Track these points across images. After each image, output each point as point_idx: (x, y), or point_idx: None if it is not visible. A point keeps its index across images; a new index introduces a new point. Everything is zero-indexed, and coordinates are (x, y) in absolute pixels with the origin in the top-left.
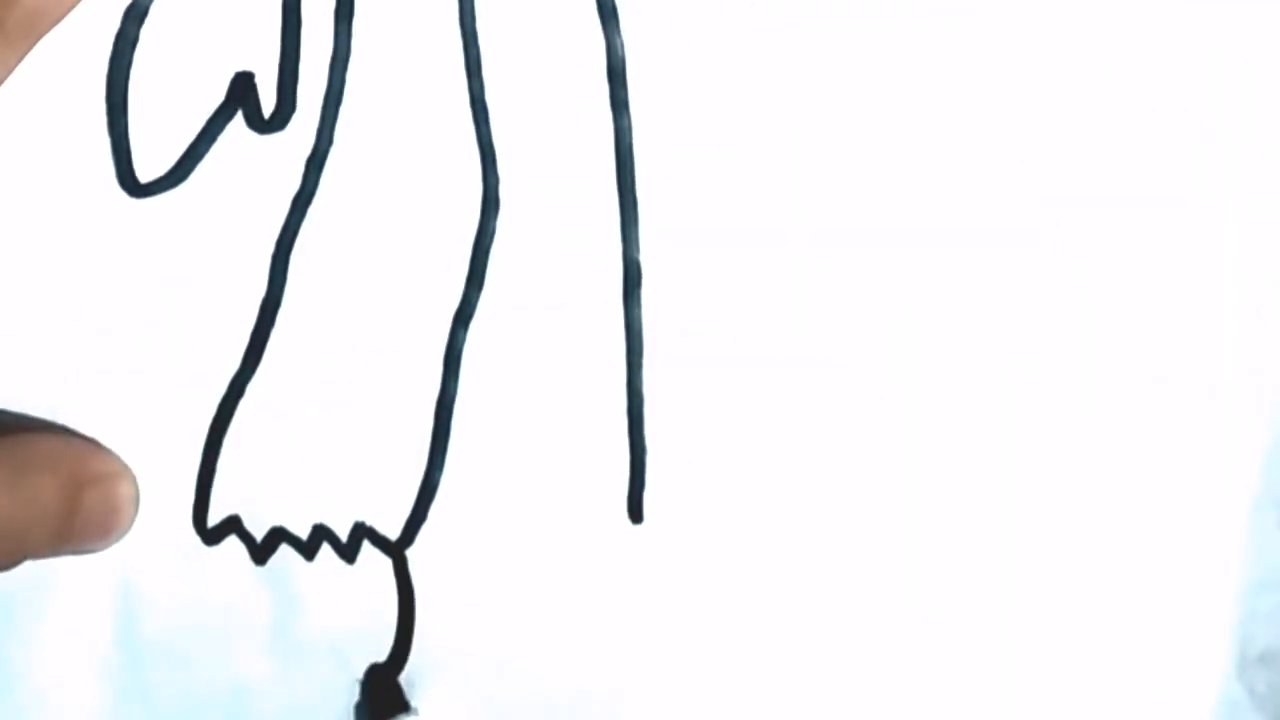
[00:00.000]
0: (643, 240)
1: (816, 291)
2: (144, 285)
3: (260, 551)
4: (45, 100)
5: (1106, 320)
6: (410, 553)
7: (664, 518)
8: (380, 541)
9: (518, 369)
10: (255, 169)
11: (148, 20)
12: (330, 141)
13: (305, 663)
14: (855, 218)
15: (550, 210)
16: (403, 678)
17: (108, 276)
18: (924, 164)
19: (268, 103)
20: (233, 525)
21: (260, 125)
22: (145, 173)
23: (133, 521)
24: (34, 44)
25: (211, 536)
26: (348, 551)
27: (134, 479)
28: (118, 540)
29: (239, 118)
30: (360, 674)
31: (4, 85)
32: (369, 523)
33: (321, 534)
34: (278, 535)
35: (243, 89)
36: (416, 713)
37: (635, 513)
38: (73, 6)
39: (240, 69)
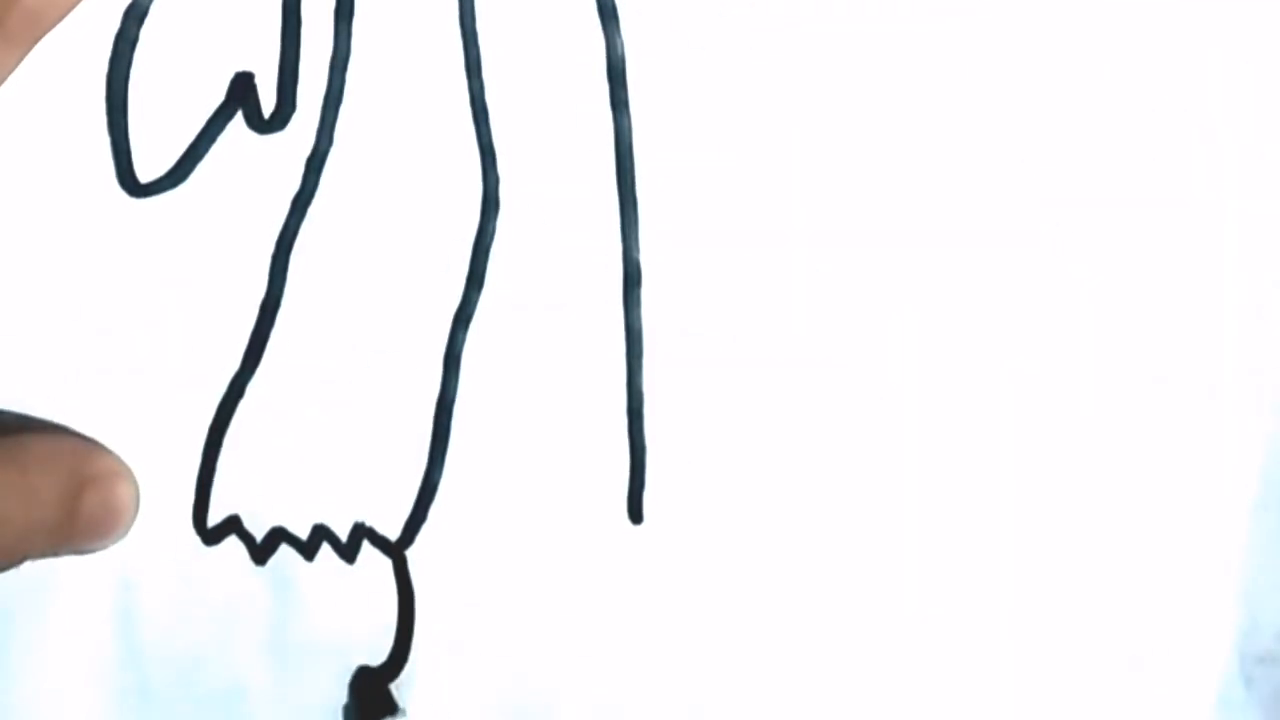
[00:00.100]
0: (643, 240)
1: (816, 291)
2: (144, 285)
3: (260, 551)
4: (45, 100)
5: (1106, 320)
6: (410, 553)
7: (664, 518)
8: (380, 542)
9: (518, 369)
10: (255, 169)
11: (148, 20)
12: (330, 142)
13: (305, 663)
14: (855, 218)
15: (550, 210)
16: (402, 677)
17: (108, 276)
18: (924, 164)
19: (268, 103)
20: (233, 525)
21: (260, 125)
22: (145, 173)
23: (133, 521)
24: (34, 44)
25: (211, 536)
26: (348, 552)
27: (134, 479)
28: (118, 540)
29: (239, 118)
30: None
31: (4, 85)
32: (369, 523)
33: (321, 534)
34: (278, 535)
35: (243, 89)
36: (405, 714)
37: (635, 513)
38: (73, 6)
39: (240, 69)
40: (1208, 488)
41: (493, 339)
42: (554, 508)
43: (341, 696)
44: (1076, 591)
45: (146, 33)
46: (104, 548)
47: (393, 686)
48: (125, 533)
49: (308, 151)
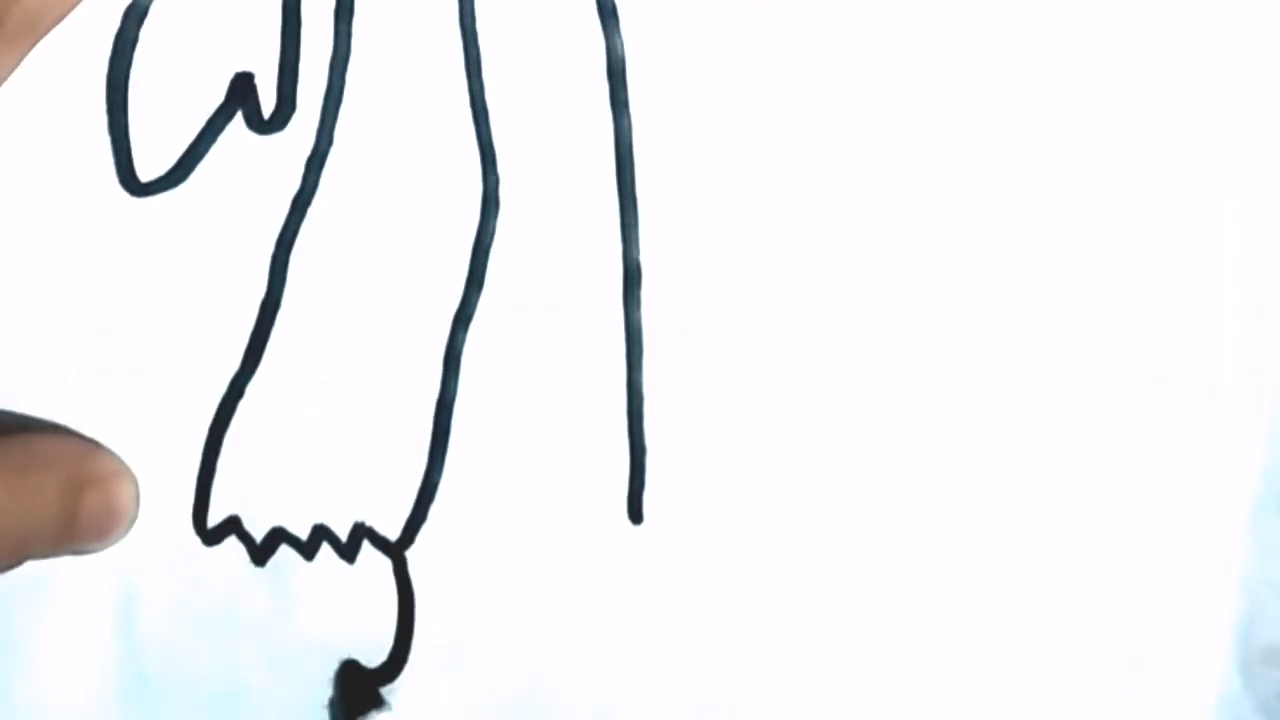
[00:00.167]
0: (643, 240)
1: (816, 291)
2: (144, 285)
3: (260, 552)
4: (45, 100)
5: (1106, 320)
6: (410, 553)
7: (664, 518)
8: (380, 542)
9: (518, 369)
10: (255, 169)
11: (148, 20)
12: (330, 141)
13: (305, 663)
14: (855, 218)
15: (550, 210)
16: (401, 677)
17: (108, 276)
18: (924, 164)
19: (268, 103)
20: (233, 525)
21: (260, 125)
22: (146, 172)
23: (133, 522)
24: (34, 44)
25: (211, 536)
26: (347, 552)
27: (134, 479)
28: (118, 540)
29: (239, 118)
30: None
31: (4, 85)
32: (369, 523)
33: (321, 534)
34: (278, 535)
35: (243, 89)
36: (391, 708)
37: (635, 513)
38: (73, 7)
39: (240, 69)
40: (1208, 487)
41: (493, 339)
42: (554, 508)
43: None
44: (1076, 591)
45: (146, 33)
46: (104, 548)
47: (392, 686)
48: (125, 533)
49: (308, 151)
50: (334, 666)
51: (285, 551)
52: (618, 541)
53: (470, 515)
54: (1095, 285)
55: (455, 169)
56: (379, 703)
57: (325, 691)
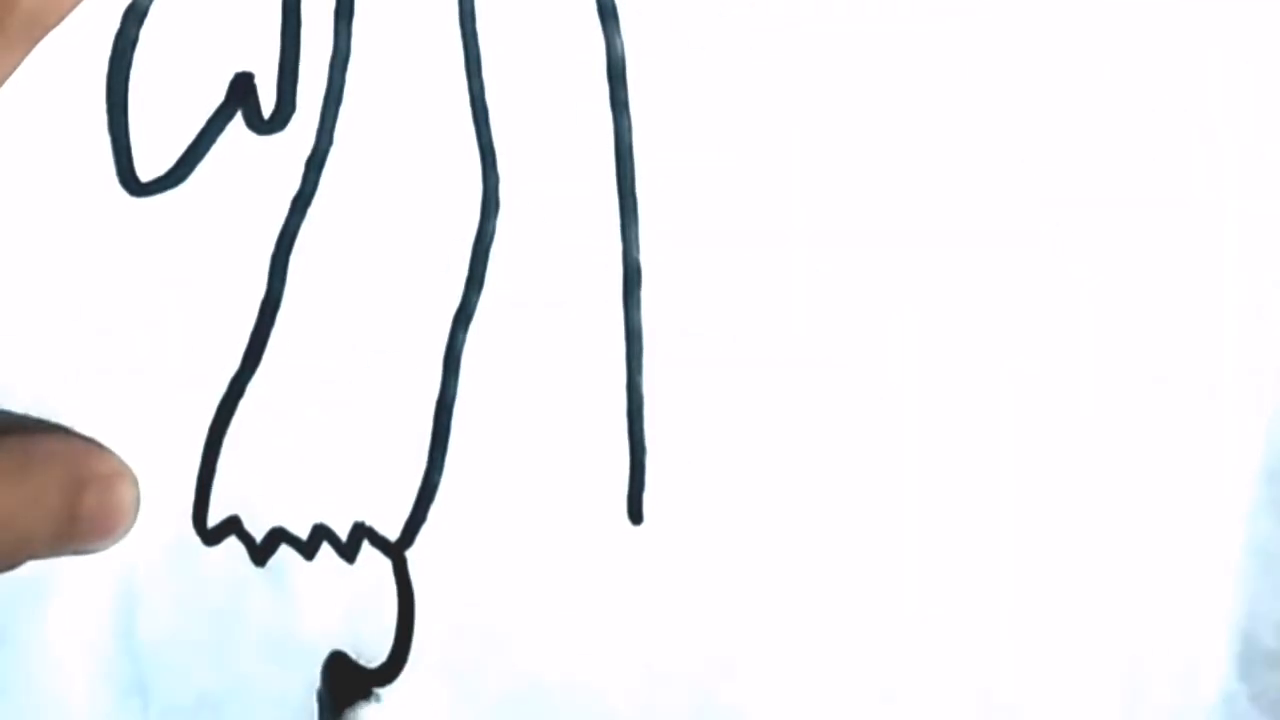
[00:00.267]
0: (643, 240)
1: (816, 291)
2: (144, 285)
3: (260, 552)
4: (45, 100)
5: (1106, 320)
6: (410, 553)
7: (664, 518)
8: (380, 542)
9: (518, 370)
10: (255, 169)
11: (148, 20)
12: (330, 142)
13: (305, 663)
14: (855, 218)
15: (550, 210)
16: (401, 677)
17: (108, 276)
18: (924, 164)
19: (268, 103)
20: (233, 525)
21: (260, 125)
22: (146, 172)
23: (133, 521)
24: (34, 45)
25: (211, 536)
26: (347, 552)
27: (134, 479)
28: (118, 540)
29: (239, 118)
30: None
31: (4, 86)
32: (369, 523)
33: (321, 534)
34: (278, 535)
35: (243, 89)
36: (380, 700)
37: (635, 513)
38: (73, 7)
39: (240, 69)
40: (1207, 487)
41: (493, 339)
42: (554, 508)
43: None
44: (1076, 591)
45: (146, 33)
46: (104, 548)
47: (392, 686)
48: (126, 533)
49: (308, 151)
50: None
51: (285, 551)
52: (617, 542)
53: (470, 515)
54: (1095, 285)
55: (455, 169)
56: (367, 694)
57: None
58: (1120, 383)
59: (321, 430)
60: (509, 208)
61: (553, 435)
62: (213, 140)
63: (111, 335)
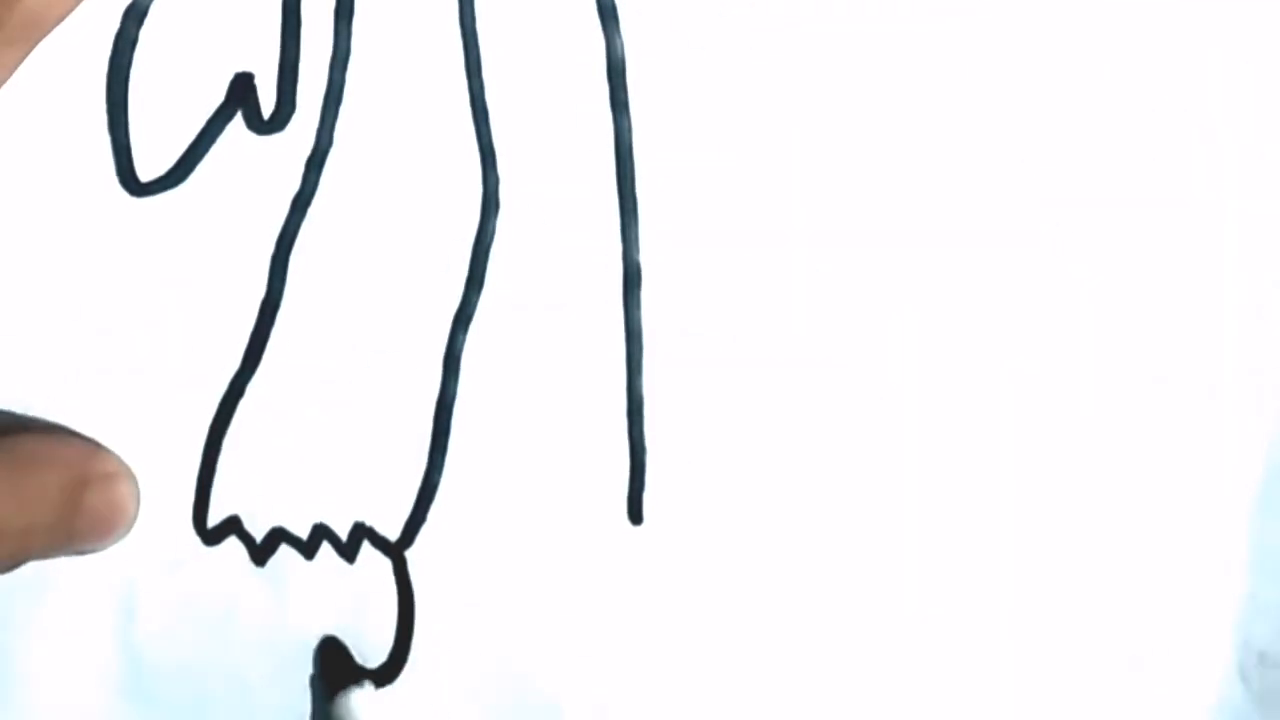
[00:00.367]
0: (643, 240)
1: (816, 291)
2: (144, 285)
3: (260, 552)
4: (45, 100)
5: (1107, 320)
6: (410, 554)
7: (664, 519)
8: (380, 542)
9: (517, 370)
10: (255, 169)
11: (148, 20)
12: (330, 142)
13: (305, 663)
14: (855, 218)
15: (550, 210)
16: (401, 677)
17: (108, 276)
18: (924, 164)
19: (268, 103)
20: (233, 525)
21: (260, 125)
22: (146, 172)
23: (134, 521)
24: (35, 45)
25: (211, 536)
26: (348, 552)
27: (135, 479)
28: (118, 540)
29: (239, 118)
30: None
31: (4, 85)
32: (369, 523)
33: (321, 534)
34: (278, 535)
35: (243, 89)
36: (371, 686)
37: (635, 514)
38: (73, 7)
39: (240, 69)
40: (1208, 487)
41: (493, 339)
42: (554, 508)
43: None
44: (1077, 591)
45: (146, 33)
46: (105, 548)
47: (392, 686)
48: (126, 533)
49: (308, 151)
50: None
51: (285, 551)
52: (618, 542)
53: (470, 516)
54: (1095, 285)
55: (455, 169)
56: (359, 678)
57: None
58: (1121, 383)
59: (321, 430)
60: (509, 208)
61: (553, 435)
62: (213, 140)
63: (111, 335)
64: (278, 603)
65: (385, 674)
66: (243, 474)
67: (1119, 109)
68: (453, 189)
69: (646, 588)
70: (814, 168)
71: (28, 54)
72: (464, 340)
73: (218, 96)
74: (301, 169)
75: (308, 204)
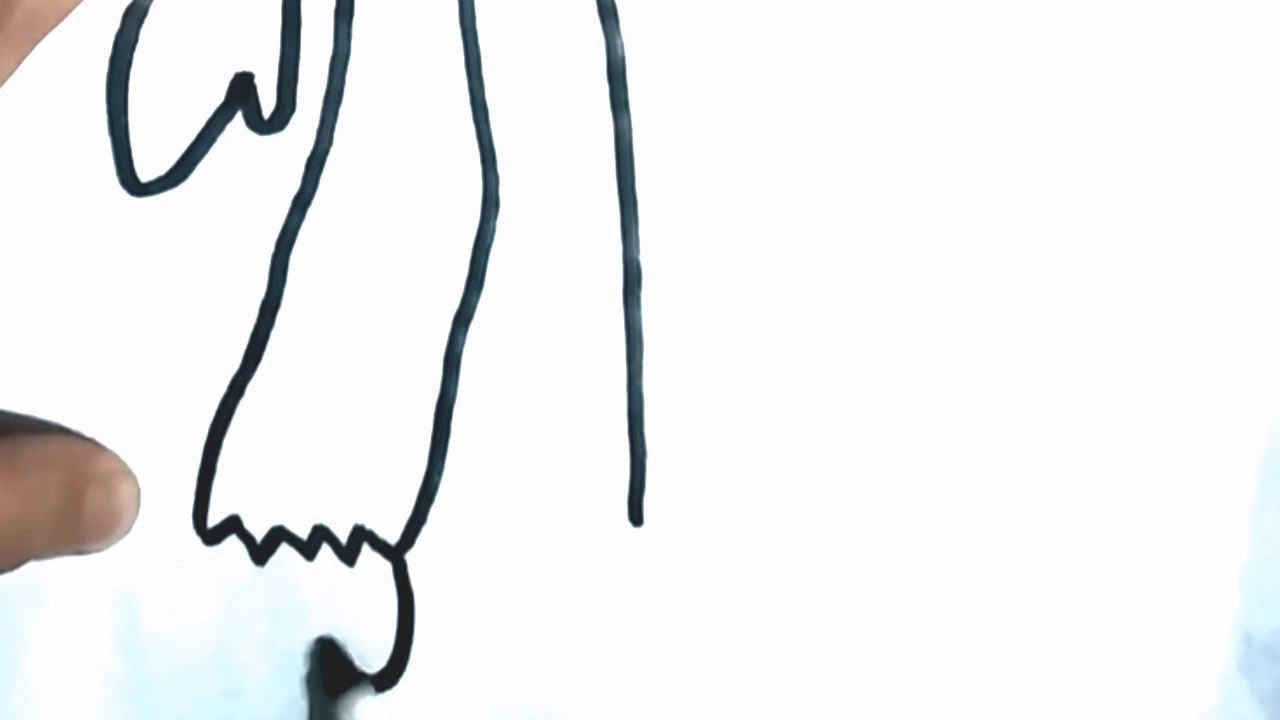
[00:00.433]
0: (643, 240)
1: (817, 291)
2: (144, 285)
3: (260, 551)
4: (45, 100)
5: (1106, 320)
6: (410, 556)
7: (665, 520)
8: (380, 545)
9: (517, 370)
10: (255, 169)
11: (148, 20)
12: (330, 142)
13: (305, 664)
14: (856, 218)
15: (550, 210)
16: (402, 681)
17: (108, 276)
18: (924, 164)
19: (268, 103)
20: (233, 525)
21: (260, 126)
22: (146, 172)
23: (134, 521)
24: (35, 44)
25: (211, 536)
26: (348, 554)
27: (135, 479)
28: (119, 540)
29: (239, 118)
30: (360, 669)
31: (4, 85)
32: (369, 525)
33: (321, 534)
34: (278, 535)
35: (243, 89)
36: (372, 687)
37: (636, 515)
38: (73, 7)
39: (240, 69)
40: (1208, 484)
41: (493, 340)
42: (554, 510)
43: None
44: (1077, 588)
45: (146, 33)
46: (105, 548)
47: (391, 690)
48: (126, 533)
49: (308, 151)
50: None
51: (285, 551)
52: (618, 544)
53: (470, 517)
54: (1095, 285)
55: (455, 169)
56: (359, 678)
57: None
58: (1121, 381)
59: (321, 430)
60: (509, 208)
61: (553, 436)
62: (213, 140)
63: (111, 335)
64: (278, 603)
65: (385, 678)
66: (243, 474)
67: (1119, 109)
68: (453, 189)
69: (647, 591)
70: (815, 167)
71: (28, 54)
72: (464, 340)
73: (218, 96)
74: (301, 169)
75: (308, 204)
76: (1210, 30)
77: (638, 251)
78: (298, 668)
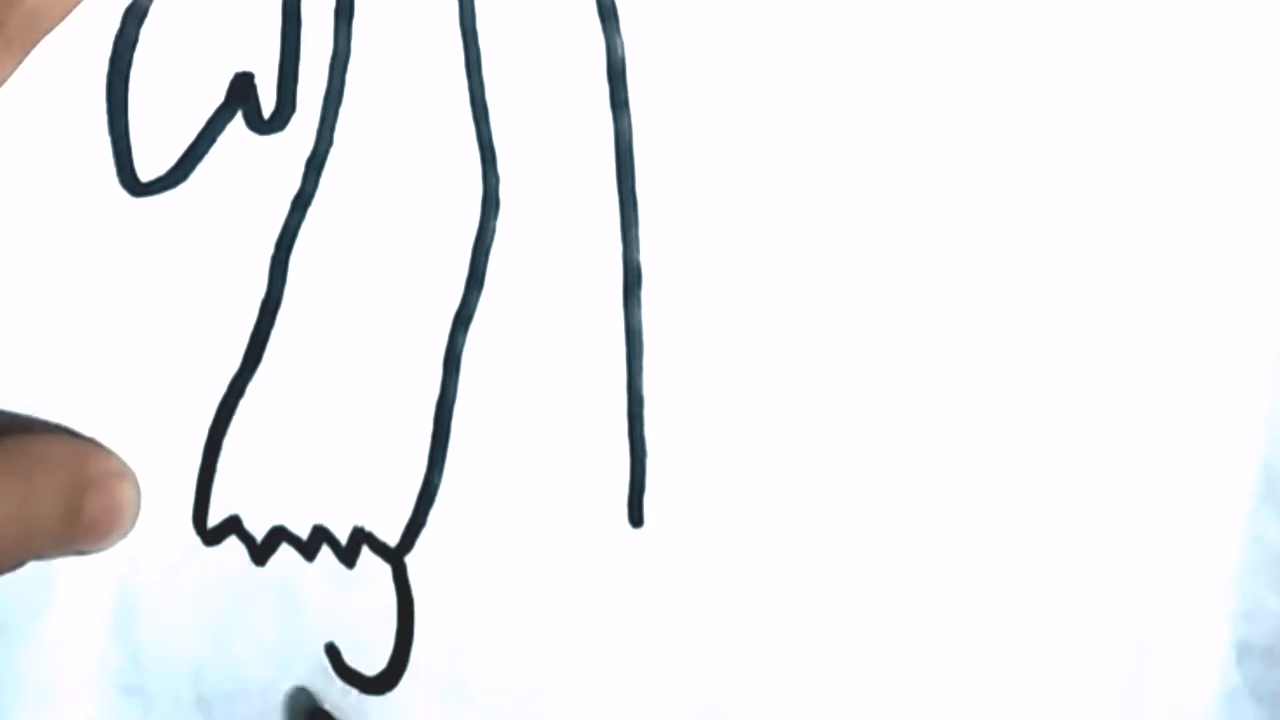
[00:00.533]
0: (643, 241)
1: (816, 291)
2: (144, 285)
3: (260, 552)
4: (45, 100)
5: (1107, 320)
6: (409, 558)
7: (664, 521)
8: (379, 547)
9: (518, 370)
10: (255, 169)
11: (148, 20)
12: (330, 142)
13: (304, 663)
14: (856, 218)
15: (550, 210)
16: (401, 683)
17: (108, 276)
18: (924, 164)
19: (268, 103)
20: (233, 525)
21: (260, 125)
22: (146, 173)
23: (134, 522)
24: (35, 45)
25: (211, 536)
26: (347, 556)
27: (135, 480)
28: (119, 540)
29: (239, 118)
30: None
31: (4, 86)
32: (368, 527)
33: (321, 536)
34: (278, 535)
35: (243, 89)
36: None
37: (635, 516)
38: (73, 7)
39: (240, 69)
40: (1207, 486)
41: (493, 340)
42: (554, 511)
43: (342, 699)
44: (1077, 589)
45: (146, 33)
46: (105, 548)
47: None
48: (126, 533)
49: (308, 151)
50: (333, 667)
51: (285, 551)
52: (618, 545)
53: (469, 519)
54: (1095, 285)
55: (455, 169)
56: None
57: (324, 692)
58: (1120, 381)
59: (322, 431)
60: (509, 208)
61: (553, 437)
62: (213, 140)
63: (111, 335)
64: (278, 603)
65: (385, 680)
66: (243, 474)
67: (1119, 109)
68: (453, 189)
69: (647, 592)
70: (814, 167)
71: (28, 54)
72: (464, 340)
73: (218, 96)
74: (301, 169)
75: (308, 204)
76: (1210, 30)
77: (637, 252)
78: (296, 668)
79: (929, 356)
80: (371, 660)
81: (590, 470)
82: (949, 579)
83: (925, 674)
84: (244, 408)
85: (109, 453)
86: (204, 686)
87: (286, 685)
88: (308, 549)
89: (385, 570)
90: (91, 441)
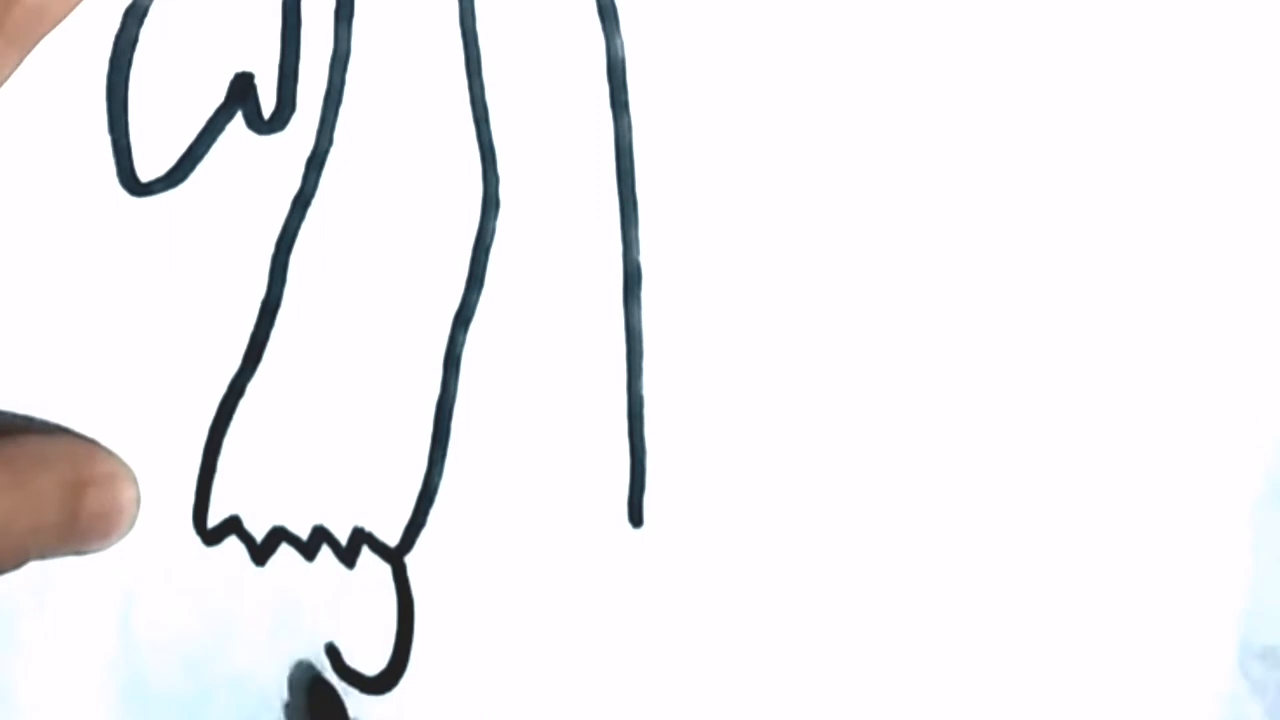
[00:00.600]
0: (643, 241)
1: (817, 292)
2: (144, 285)
3: (260, 552)
4: (45, 100)
5: (1107, 321)
6: (409, 559)
7: (664, 521)
8: (379, 547)
9: (518, 371)
10: (255, 169)
11: (148, 20)
12: (330, 142)
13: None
14: (856, 218)
15: (550, 210)
16: (401, 683)
17: (108, 276)
18: (924, 164)
19: (268, 103)
20: (233, 525)
21: (260, 125)
22: (146, 173)
23: (134, 522)
24: (35, 44)
25: (211, 536)
26: (347, 556)
27: (135, 480)
28: (119, 540)
29: (239, 118)
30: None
31: (4, 85)
32: (368, 527)
33: (321, 536)
34: (278, 535)
35: (243, 89)
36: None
37: (635, 516)
38: (73, 7)
39: (240, 69)
40: (1210, 486)
41: (493, 340)
42: (554, 511)
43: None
44: (1080, 589)
45: (146, 33)
46: (105, 548)
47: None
48: (126, 533)
49: (308, 151)
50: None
51: (285, 551)
52: (618, 545)
53: (469, 520)
54: (1096, 286)
55: (455, 169)
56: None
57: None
58: (1122, 383)
59: (321, 431)
60: (509, 208)
61: (553, 437)
62: (213, 140)
63: (111, 335)
64: (278, 603)
65: (384, 681)
66: (243, 474)
67: (1119, 109)
68: (453, 189)
69: (647, 592)
70: (814, 167)
71: (28, 53)
72: (464, 340)
73: (218, 96)
74: (301, 169)
75: (308, 204)
76: (1210, 30)
77: (638, 252)
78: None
79: (932, 357)
80: (371, 660)
81: (590, 470)
82: (952, 579)
83: (927, 674)
84: (244, 408)
85: (109, 453)
86: (204, 686)
87: (286, 685)
88: (308, 549)
89: (385, 570)
90: (91, 441)
